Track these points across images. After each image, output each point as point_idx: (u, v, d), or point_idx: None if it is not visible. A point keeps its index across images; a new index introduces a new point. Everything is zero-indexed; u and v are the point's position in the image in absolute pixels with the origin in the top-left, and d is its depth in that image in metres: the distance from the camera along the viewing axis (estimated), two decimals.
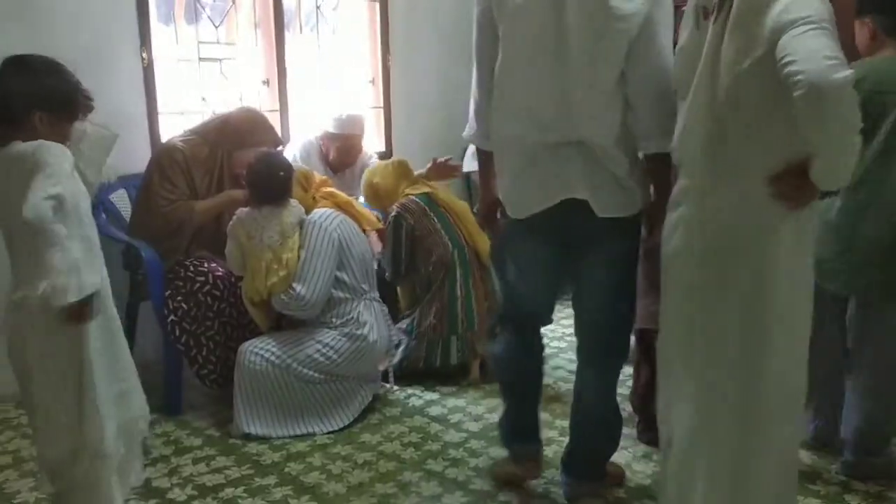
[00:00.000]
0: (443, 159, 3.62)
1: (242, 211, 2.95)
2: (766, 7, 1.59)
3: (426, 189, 3.51)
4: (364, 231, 3.20)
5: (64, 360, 1.88)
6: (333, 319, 2.95)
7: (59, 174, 1.79)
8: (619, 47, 1.97)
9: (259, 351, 2.86)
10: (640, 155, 2.13)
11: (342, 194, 3.29)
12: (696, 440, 1.83)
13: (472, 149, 4.32)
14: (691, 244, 1.79)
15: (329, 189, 3.29)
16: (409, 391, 3.26)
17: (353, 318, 2.96)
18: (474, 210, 4.02)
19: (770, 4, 1.59)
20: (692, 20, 1.79)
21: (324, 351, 2.89)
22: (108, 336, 1.98)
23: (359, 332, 2.95)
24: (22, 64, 1.90)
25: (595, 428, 2.36)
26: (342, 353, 2.91)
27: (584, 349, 2.32)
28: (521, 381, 2.46)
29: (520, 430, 2.47)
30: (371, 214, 3.36)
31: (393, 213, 3.40)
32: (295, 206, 2.98)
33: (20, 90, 1.86)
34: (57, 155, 1.81)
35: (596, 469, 2.41)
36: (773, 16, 1.58)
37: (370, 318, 3.00)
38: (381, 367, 3.20)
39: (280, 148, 3.38)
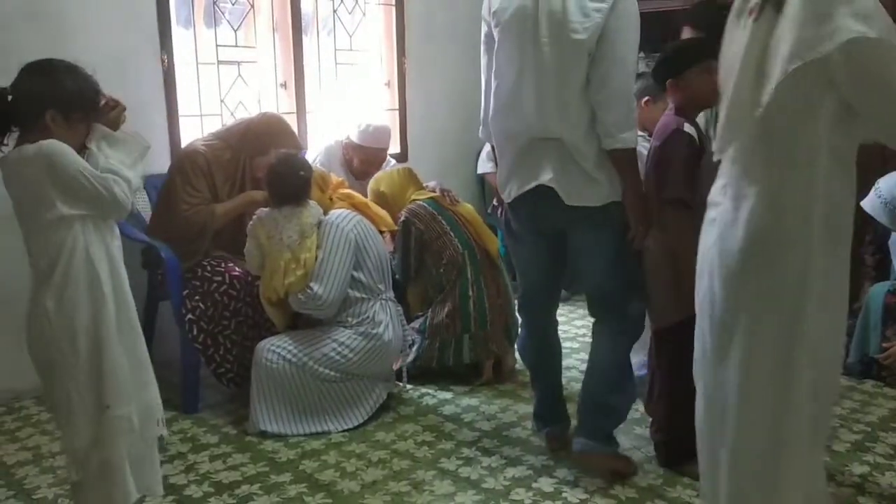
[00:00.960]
0: (447, 189, 3.65)
1: (262, 211, 2.99)
2: (826, 12, 1.58)
3: (432, 194, 3.54)
4: (381, 232, 3.23)
5: (85, 345, 1.93)
6: (349, 319, 2.98)
7: (76, 161, 1.86)
8: (580, 56, 2.27)
9: (276, 349, 2.89)
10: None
11: (359, 195, 3.32)
12: (733, 427, 1.84)
13: (486, 150, 4.34)
14: (726, 240, 1.81)
15: (346, 190, 3.32)
16: (423, 390, 3.29)
17: (368, 317, 2.99)
18: (489, 210, 4.06)
19: (832, 10, 1.58)
20: (739, 21, 1.79)
21: (339, 350, 2.92)
22: (123, 325, 2.01)
23: (374, 331, 2.97)
24: (40, 66, 1.94)
25: (599, 381, 2.56)
26: (358, 351, 2.94)
27: (593, 317, 2.64)
28: (535, 366, 2.79)
29: (544, 411, 2.77)
30: (387, 215, 3.38)
31: (402, 219, 3.42)
32: (314, 206, 3.01)
33: (34, 89, 1.90)
34: (65, 151, 1.86)
35: (603, 430, 2.57)
36: (833, 24, 1.57)
37: (385, 317, 3.03)
38: (395, 367, 3.23)
39: (303, 152, 3.41)
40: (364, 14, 4.45)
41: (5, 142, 1.93)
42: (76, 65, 1.96)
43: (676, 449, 2.54)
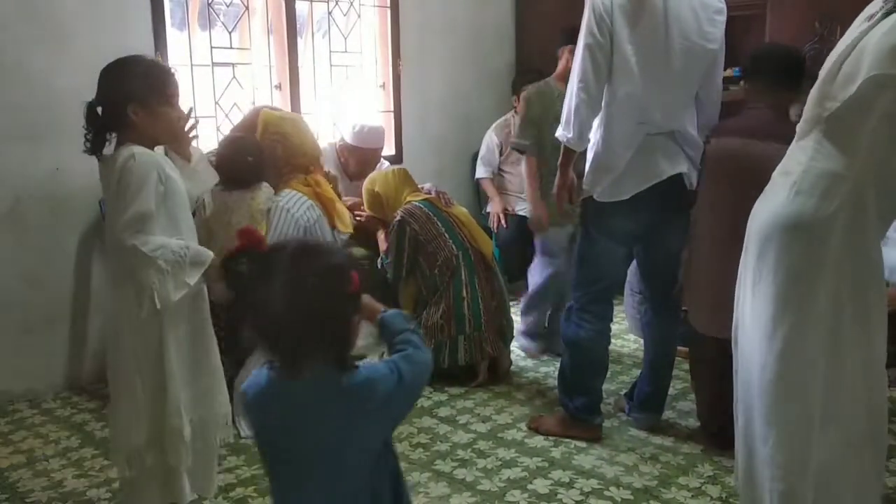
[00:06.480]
0: (443, 192, 3.65)
1: (213, 191, 2.86)
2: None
3: (427, 196, 3.53)
4: (334, 229, 3.11)
5: (153, 350, 1.97)
6: None
7: (141, 190, 1.87)
8: (708, 62, 2.57)
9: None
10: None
11: (328, 188, 3.18)
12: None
13: (480, 154, 4.37)
14: (757, 224, 1.91)
15: (319, 178, 3.17)
16: None
17: None
18: (483, 213, 4.05)
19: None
20: (860, 23, 1.84)
21: None
22: (197, 333, 2.06)
23: None
24: (109, 68, 1.97)
25: (669, 369, 2.89)
26: None
27: (658, 310, 2.84)
28: (602, 360, 2.80)
29: (595, 406, 2.81)
30: (348, 217, 3.25)
31: (397, 219, 3.40)
32: (266, 190, 2.95)
33: (112, 90, 1.93)
34: (141, 172, 1.88)
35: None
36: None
37: None
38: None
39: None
40: (359, 16, 4.45)
41: (103, 150, 1.98)
42: (141, 55, 2.00)
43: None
